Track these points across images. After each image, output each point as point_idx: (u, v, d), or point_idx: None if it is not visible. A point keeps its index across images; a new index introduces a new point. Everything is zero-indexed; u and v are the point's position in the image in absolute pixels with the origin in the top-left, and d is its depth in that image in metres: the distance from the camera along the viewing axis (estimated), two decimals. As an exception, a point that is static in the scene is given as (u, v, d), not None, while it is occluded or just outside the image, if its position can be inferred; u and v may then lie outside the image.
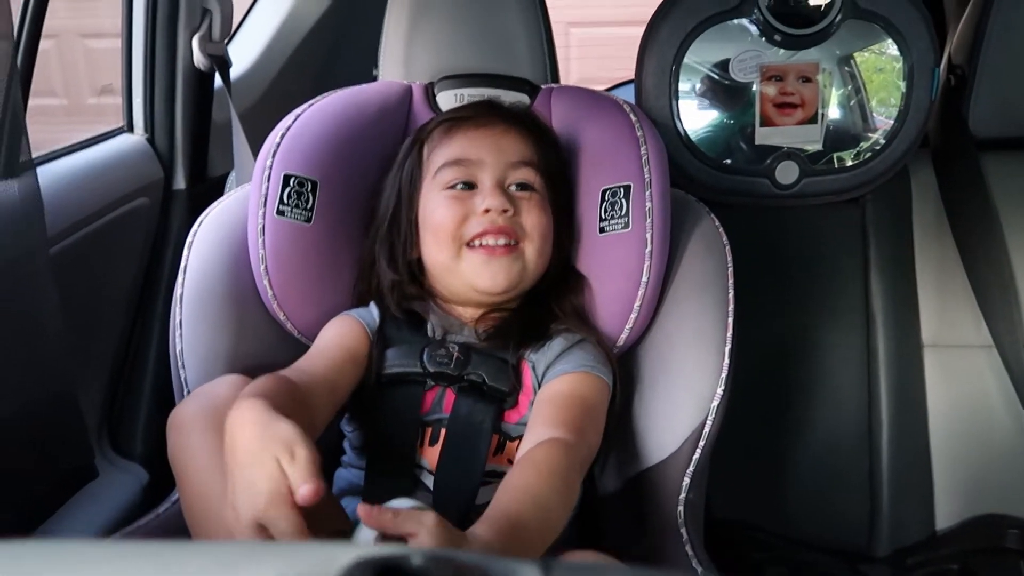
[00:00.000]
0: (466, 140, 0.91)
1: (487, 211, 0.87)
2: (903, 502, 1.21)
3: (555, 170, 0.94)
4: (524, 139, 0.92)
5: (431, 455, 0.86)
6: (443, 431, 0.86)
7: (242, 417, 0.67)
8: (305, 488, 0.61)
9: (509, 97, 1.06)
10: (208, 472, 0.76)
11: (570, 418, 0.82)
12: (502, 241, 0.88)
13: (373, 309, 0.93)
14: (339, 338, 0.89)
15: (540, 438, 0.79)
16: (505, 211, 0.87)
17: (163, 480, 1.18)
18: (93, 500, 1.10)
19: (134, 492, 1.19)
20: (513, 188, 0.90)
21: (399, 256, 0.93)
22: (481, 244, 0.88)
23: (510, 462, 0.87)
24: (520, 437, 0.87)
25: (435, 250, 0.90)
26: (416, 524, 0.61)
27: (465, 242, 0.89)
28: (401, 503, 0.65)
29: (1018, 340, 1.17)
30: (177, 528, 0.85)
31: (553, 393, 0.85)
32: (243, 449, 0.65)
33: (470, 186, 0.89)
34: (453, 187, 0.89)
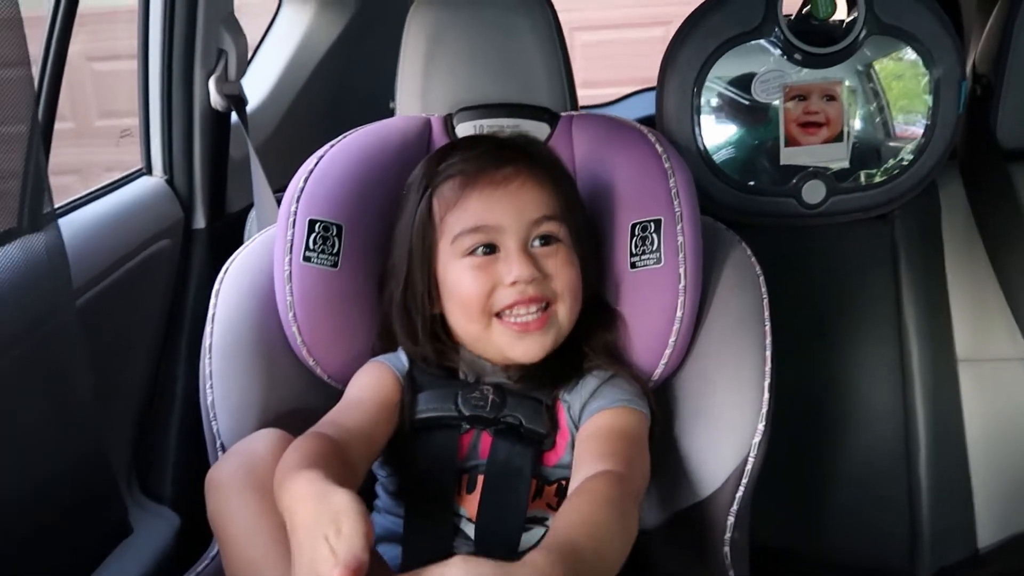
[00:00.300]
0: (482, 203, 0.85)
1: (515, 282, 0.83)
2: (944, 520, 1.20)
3: (576, 209, 0.91)
4: (543, 188, 0.87)
5: (470, 503, 0.85)
6: (480, 478, 0.85)
7: (298, 493, 0.66)
8: (337, 572, 0.59)
9: (529, 127, 1.05)
10: (249, 535, 0.75)
11: (616, 450, 0.80)
12: (533, 309, 0.85)
13: (401, 354, 0.92)
14: (372, 388, 0.88)
15: (589, 473, 0.77)
16: (534, 279, 0.84)
17: (195, 524, 1.18)
18: (127, 549, 1.09)
19: (167, 538, 1.19)
20: (537, 244, 0.86)
21: (417, 323, 0.89)
22: (513, 318, 0.85)
23: (549, 506, 0.86)
24: (558, 480, 0.86)
25: (463, 321, 0.87)
26: (440, 571, 0.60)
27: (494, 313, 0.85)
28: None
29: None
30: (217, 586, 0.85)
31: (594, 429, 0.84)
32: (301, 528, 0.64)
33: (492, 248, 0.85)
34: (474, 252, 0.85)
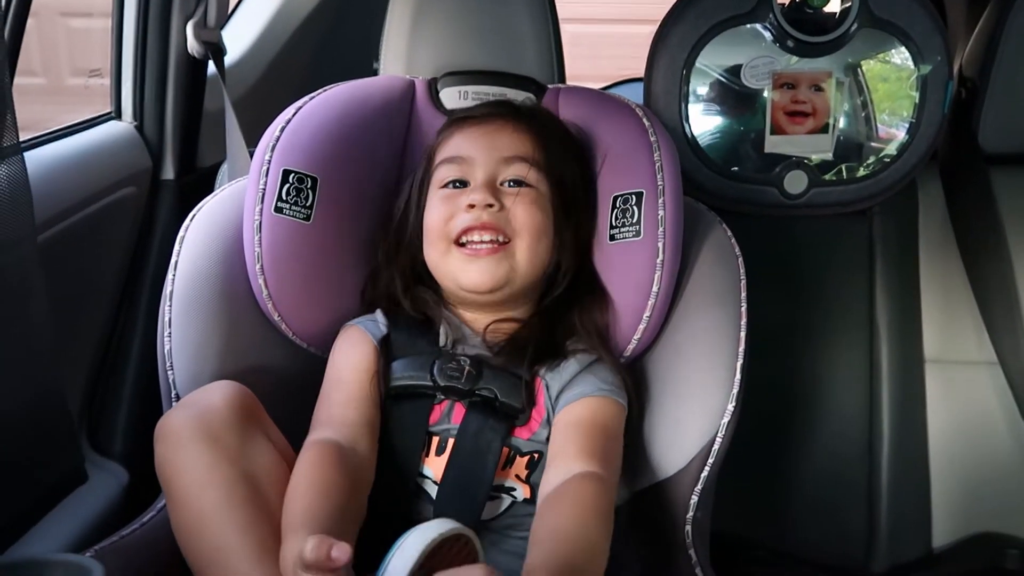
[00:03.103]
0: (462, 137, 0.90)
1: (472, 206, 0.85)
2: (901, 518, 1.21)
3: (565, 170, 0.91)
4: (521, 134, 0.89)
5: (436, 465, 0.84)
6: (451, 441, 0.84)
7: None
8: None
9: (514, 96, 1.03)
10: (201, 487, 0.73)
11: (598, 448, 0.80)
12: (487, 237, 0.86)
13: (379, 316, 0.90)
14: (356, 363, 0.86)
15: (571, 471, 0.78)
16: (490, 206, 0.85)
17: (144, 481, 1.14)
18: (74, 503, 1.05)
19: (115, 493, 1.15)
20: (507, 185, 0.88)
21: (405, 259, 0.92)
22: (467, 243, 0.87)
23: (518, 477, 0.85)
24: (531, 453, 0.85)
25: (428, 248, 0.90)
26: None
27: (453, 239, 0.87)
28: (431, 528, 0.64)
29: (1022, 358, 1.16)
30: (162, 538, 0.81)
31: (576, 420, 0.83)
32: None
33: (464, 183, 0.88)
34: (447, 185, 0.89)
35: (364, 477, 0.79)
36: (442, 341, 0.88)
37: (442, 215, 0.87)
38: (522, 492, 0.84)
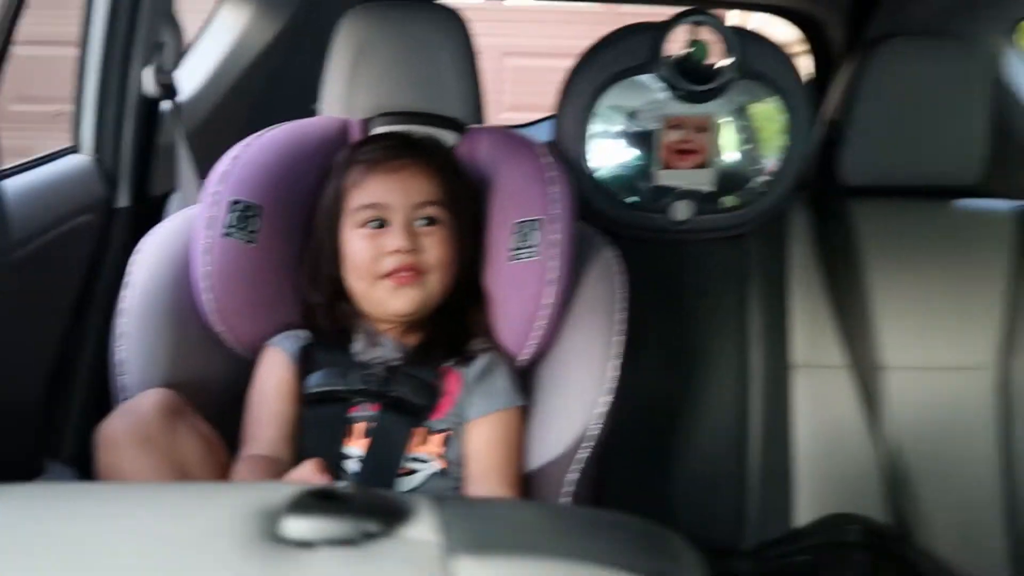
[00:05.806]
0: (379, 185, 1.01)
1: (395, 251, 0.98)
2: (767, 503, 1.36)
3: (461, 198, 1.04)
4: (430, 177, 1.02)
5: (362, 444, 0.98)
6: (374, 424, 0.98)
7: None
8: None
9: (439, 135, 1.15)
10: (137, 478, 0.84)
11: (511, 473, 0.98)
12: (409, 272, 0.99)
13: (300, 332, 1.03)
14: (275, 384, 1.00)
15: (495, 494, 0.94)
16: (411, 251, 0.98)
17: (92, 480, 1.21)
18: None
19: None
20: (420, 223, 1.00)
21: (326, 285, 1.03)
22: (391, 276, 1.00)
23: (435, 454, 0.99)
24: (443, 431, 0.99)
25: (354, 279, 1.02)
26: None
27: (378, 277, 0.99)
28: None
29: (868, 362, 1.34)
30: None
31: (484, 443, 0.98)
32: None
33: (383, 223, 1.00)
34: (367, 225, 1.00)
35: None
36: (356, 349, 1.02)
37: (368, 255, 0.99)
38: (438, 464, 0.98)
